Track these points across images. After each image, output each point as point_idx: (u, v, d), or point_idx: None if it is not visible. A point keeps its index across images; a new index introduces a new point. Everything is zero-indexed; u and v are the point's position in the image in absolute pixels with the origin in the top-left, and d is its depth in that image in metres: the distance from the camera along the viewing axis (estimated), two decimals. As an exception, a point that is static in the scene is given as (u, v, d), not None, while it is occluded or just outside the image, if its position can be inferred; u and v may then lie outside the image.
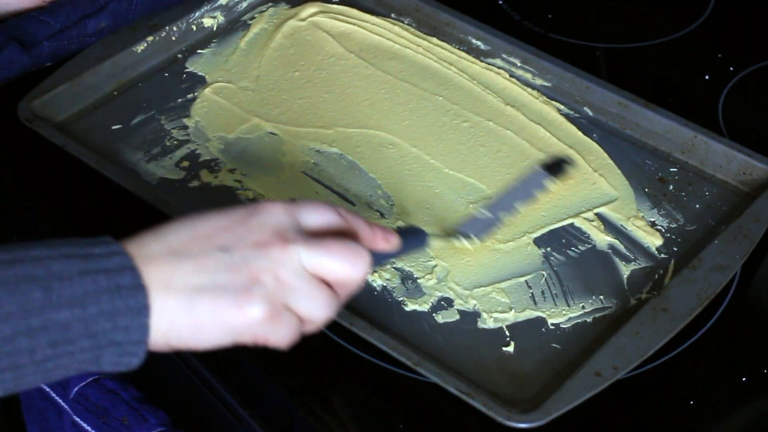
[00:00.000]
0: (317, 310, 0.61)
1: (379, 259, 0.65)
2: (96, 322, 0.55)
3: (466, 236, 0.75)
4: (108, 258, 0.57)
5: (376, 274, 0.76)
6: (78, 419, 0.81)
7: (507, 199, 0.78)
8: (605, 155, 0.86)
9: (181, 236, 0.59)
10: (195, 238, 0.59)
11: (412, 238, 0.69)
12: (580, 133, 0.87)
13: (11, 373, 0.54)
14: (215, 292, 0.58)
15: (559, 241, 0.79)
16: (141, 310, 0.56)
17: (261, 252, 0.59)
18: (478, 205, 0.80)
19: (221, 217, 0.61)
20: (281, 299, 0.59)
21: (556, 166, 0.80)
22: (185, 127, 0.87)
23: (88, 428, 0.81)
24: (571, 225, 0.80)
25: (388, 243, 0.66)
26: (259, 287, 0.59)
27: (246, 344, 0.60)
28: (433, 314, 0.74)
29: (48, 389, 0.84)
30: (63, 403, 0.83)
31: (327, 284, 0.61)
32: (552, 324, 0.74)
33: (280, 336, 0.60)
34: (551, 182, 0.80)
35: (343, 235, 0.63)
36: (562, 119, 0.88)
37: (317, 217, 0.63)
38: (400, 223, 0.80)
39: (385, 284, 0.76)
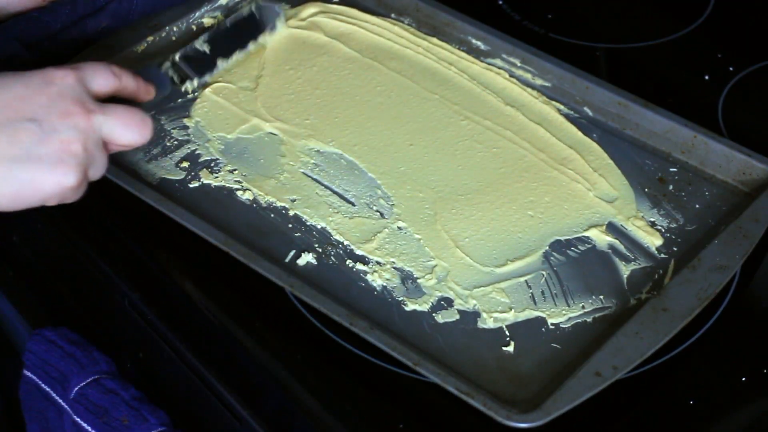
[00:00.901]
0: (99, 171, 0.68)
1: None
2: None
3: (189, 78, 0.85)
4: None
5: (376, 274, 0.76)
6: (78, 419, 0.81)
7: (225, 43, 0.88)
8: (605, 155, 0.86)
9: None
10: (1, 105, 0.64)
11: (160, 83, 0.78)
12: (580, 133, 0.87)
13: None
14: (32, 162, 0.64)
15: (559, 241, 0.79)
16: None
17: (68, 122, 0.65)
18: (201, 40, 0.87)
19: (18, 85, 0.65)
20: (86, 166, 0.66)
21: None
22: (185, 128, 0.87)
23: (88, 428, 0.81)
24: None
25: (149, 95, 0.74)
26: (71, 157, 0.65)
27: (46, 205, 0.66)
28: (433, 314, 0.74)
29: (48, 389, 0.84)
30: (63, 403, 0.83)
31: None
32: (552, 324, 0.74)
33: (77, 196, 0.67)
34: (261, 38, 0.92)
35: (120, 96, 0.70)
36: (561, 119, 0.88)
37: (101, 81, 0.69)
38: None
39: (384, 284, 0.76)
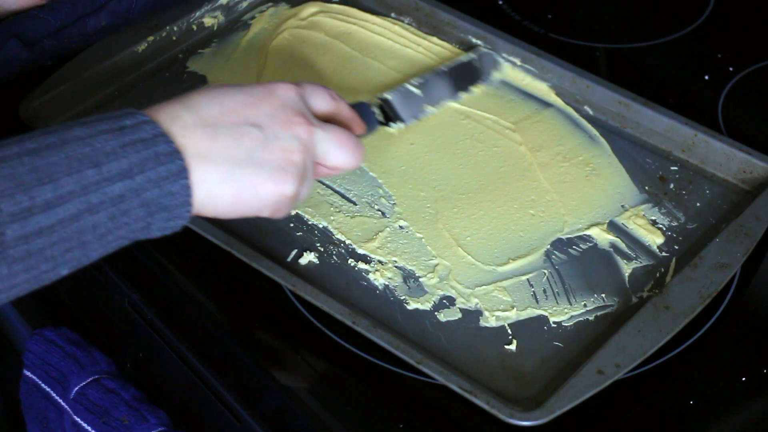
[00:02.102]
0: (305, 195, 0.67)
1: None
2: (145, 189, 0.58)
3: (400, 120, 0.82)
4: (139, 128, 0.59)
5: (378, 273, 0.76)
6: (78, 419, 0.81)
7: (436, 89, 0.86)
8: (608, 152, 0.86)
9: (212, 109, 0.62)
10: (224, 111, 0.63)
11: (368, 120, 0.75)
12: (582, 131, 0.87)
13: (79, 251, 0.58)
14: (254, 167, 0.62)
15: (560, 239, 0.79)
16: (181, 173, 0.59)
17: (290, 131, 0.64)
18: (412, 82, 0.85)
19: (242, 93, 0.64)
20: (303, 180, 0.65)
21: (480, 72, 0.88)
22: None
23: (88, 428, 0.81)
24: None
25: (361, 129, 0.73)
26: (292, 166, 0.64)
27: (259, 215, 0.65)
28: (435, 313, 0.74)
29: (48, 389, 0.84)
30: (63, 403, 0.83)
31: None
32: (554, 322, 0.74)
33: (289, 210, 0.66)
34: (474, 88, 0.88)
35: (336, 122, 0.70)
36: (563, 116, 0.89)
37: (320, 101, 0.69)
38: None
39: (387, 283, 0.76)
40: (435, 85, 0.87)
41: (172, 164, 0.59)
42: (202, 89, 0.64)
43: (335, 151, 0.67)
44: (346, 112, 0.71)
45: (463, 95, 0.88)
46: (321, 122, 0.67)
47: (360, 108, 0.75)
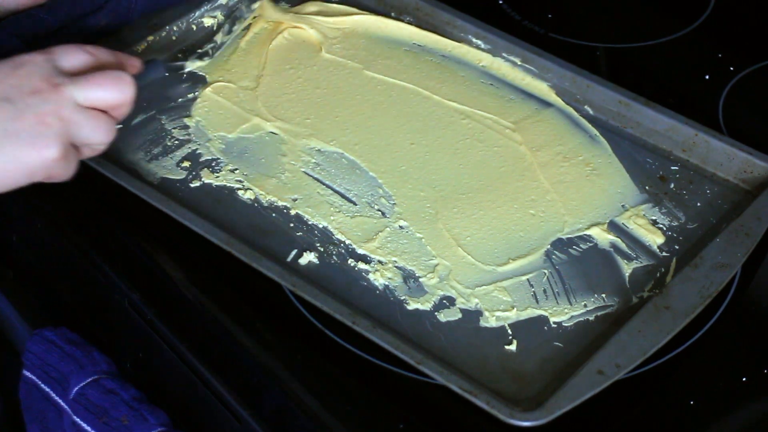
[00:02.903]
0: (99, 135, 0.70)
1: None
2: None
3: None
4: None
5: (378, 273, 0.76)
6: (78, 419, 0.81)
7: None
8: (608, 152, 0.86)
9: None
10: None
11: (152, 65, 0.79)
12: (582, 130, 0.87)
13: None
14: (10, 138, 0.66)
15: (560, 239, 0.79)
16: None
17: (39, 97, 0.67)
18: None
19: None
20: (68, 136, 0.68)
21: None
22: (186, 127, 0.87)
23: (88, 428, 0.81)
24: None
25: (134, 68, 0.76)
26: (48, 129, 0.67)
27: (37, 182, 0.68)
28: (435, 313, 0.74)
29: (48, 389, 0.84)
30: (63, 403, 0.83)
31: (103, 112, 0.70)
32: (554, 322, 0.74)
33: (67, 171, 0.69)
34: None
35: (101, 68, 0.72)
36: (564, 115, 0.89)
37: (72, 59, 0.71)
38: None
39: (386, 283, 0.76)
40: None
41: None
42: None
43: (96, 93, 0.69)
44: (108, 59, 0.73)
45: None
46: (72, 76, 0.69)
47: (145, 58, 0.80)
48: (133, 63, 0.77)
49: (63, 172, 0.69)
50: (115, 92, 0.71)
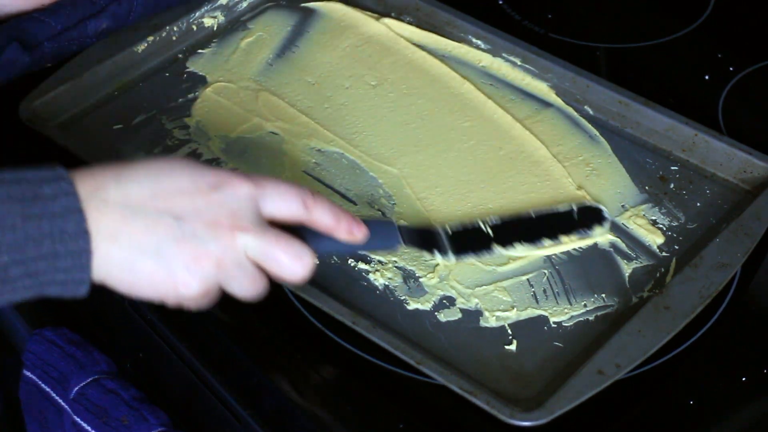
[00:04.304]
0: (246, 293, 0.63)
1: (343, 249, 0.67)
2: (35, 264, 0.57)
3: (444, 253, 0.73)
4: (55, 200, 0.57)
5: (378, 273, 0.76)
6: (78, 419, 0.81)
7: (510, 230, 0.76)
8: (609, 152, 0.86)
9: (143, 189, 0.60)
10: (154, 194, 0.60)
11: (382, 235, 0.68)
12: (583, 131, 0.87)
13: None
14: (157, 259, 0.59)
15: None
16: (82, 254, 0.58)
17: (211, 233, 0.60)
18: (480, 214, 0.79)
19: (186, 179, 0.61)
20: (216, 281, 0.61)
21: (587, 217, 0.78)
22: (186, 127, 0.87)
23: (88, 428, 0.81)
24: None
25: (352, 236, 0.66)
26: (199, 269, 0.60)
27: (164, 303, 0.62)
28: (436, 313, 0.74)
29: (48, 389, 0.84)
30: (63, 403, 0.83)
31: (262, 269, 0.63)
32: (554, 322, 0.74)
33: (200, 306, 0.63)
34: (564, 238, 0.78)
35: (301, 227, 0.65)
36: (565, 116, 0.89)
37: (281, 206, 0.63)
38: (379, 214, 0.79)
39: (387, 283, 0.76)
40: (509, 228, 0.76)
41: (74, 244, 0.57)
42: (154, 159, 0.62)
43: (269, 259, 0.62)
44: (324, 220, 0.65)
45: (548, 243, 0.76)
46: (260, 226, 0.62)
47: (380, 223, 0.69)
48: (354, 230, 0.66)
49: (196, 305, 0.63)
50: (285, 271, 0.63)
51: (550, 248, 0.78)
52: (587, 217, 0.78)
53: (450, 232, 0.74)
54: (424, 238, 0.72)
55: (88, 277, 0.58)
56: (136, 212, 0.59)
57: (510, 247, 0.75)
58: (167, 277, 0.60)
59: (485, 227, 0.75)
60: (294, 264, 0.63)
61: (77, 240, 0.57)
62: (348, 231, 0.66)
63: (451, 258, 0.73)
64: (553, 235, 0.76)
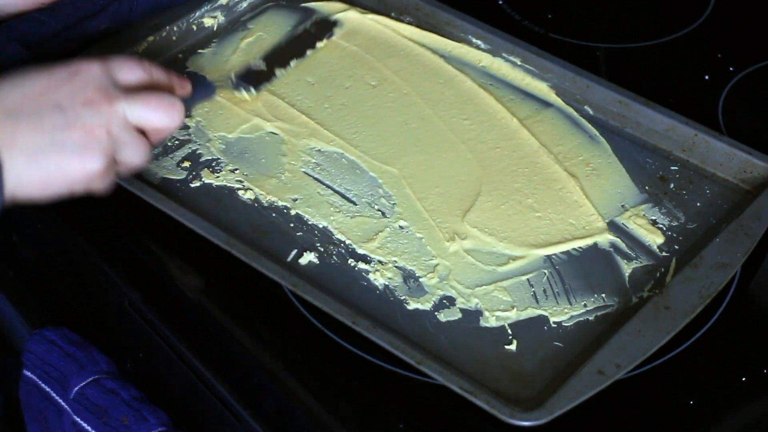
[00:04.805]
0: (136, 157, 0.71)
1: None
2: None
3: (246, 89, 0.87)
4: None
5: (378, 273, 0.76)
6: (78, 419, 0.81)
7: (282, 53, 0.89)
8: (609, 152, 0.86)
9: (13, 96, 0.66)
10: (26, 96, 0.66)
11: (201, 86, 0.80)
12: (583, 131, 0.87)
13: None
14: (57, 149, 0.66)
15: (560, 239, 0.80)
16: None
17: (91, 109, 0.67)
18: (257, 58, 0.90)
19: (45, 75, 0.68)
20: (112, 151, 0.68)
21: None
22: (186, 127, 0.87)
23: (88, 428, 0.81)
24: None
25: (184, 90, 0.76)
26: (95, 142, 0.67)
27: (75, 194, 0.68)
28: (436, 313, 0.74)
29: (48, 389, 0.84)
30: (63, 403, 0.83)
31: (142, 132, 0.71)
32: (554, 322, 0.74)
33: (105, 184, 0.70)
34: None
35: (153, 87, 0.72)
36: (565, 116, 0.89)
37: (129, 73, 0.71)
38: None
39: (387, 283, 0.76)
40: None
41: None
42: (6, 75, 0.67)
43: (147, 114, 0.70)
44: (161, 78, 0.74)
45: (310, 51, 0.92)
46: (127, 92, 0.69)
47: (193, 77, 0.79)
48: (183, 84, 0.76)
49: (102, 185, 0.69)
50: (165, 118, 0.71)
51: (548, 248, 0.78)
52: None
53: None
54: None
55: (1, 193, 0.64)
56: (18, 116, 0.65)
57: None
58: (72, 161, 0.66)
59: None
60: (171, 111, 0.71)
61: None
62: (181, 85, 0.76)
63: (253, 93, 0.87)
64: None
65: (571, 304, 0.75)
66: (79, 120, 0.66)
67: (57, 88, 0.67)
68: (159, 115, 0.71)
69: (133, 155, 0.70)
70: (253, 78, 0.89)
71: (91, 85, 0.68)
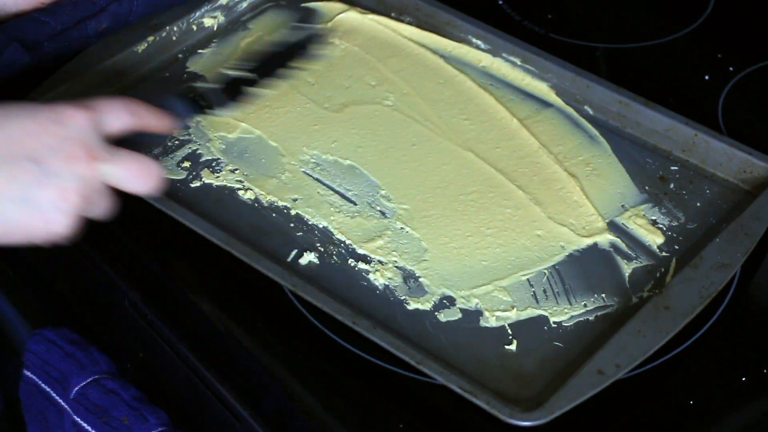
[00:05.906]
0: (101, 213, 0.68)
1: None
2: None
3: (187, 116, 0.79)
4: None
5: (378, 273, 0.76)
6: (78, 419, 0.81)
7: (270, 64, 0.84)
8: (609, 152, 0.86)
9: None
10: (4, 141, 0.63)
11: (180, 112, 0.76)
12: (584, 131, 0.87)
13: None
14: (27, 204, 0.63)
15: (560, 239, 0.80)
16: None
17: (70, 168, 0.64)
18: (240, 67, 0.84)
19: (28, 119, 0.64)
20: (80, 211, 0.65)
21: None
22: (186, 127, 0.87)
23: (88, 428, 0.81)
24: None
25: (168, 126, 0.73)
26: (67, 205, 0.64)
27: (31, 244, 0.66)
28: (436, 313, 0.74)
29: (48, 389, 0.84)
30: (63, 403, 0.83)
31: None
32: (554, 322, 0.74)
33: (66, 238, 0.66)
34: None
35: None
36: (565, 116, 0.89)
37: (115, 121, 0.68)
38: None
39: (387, 283, 0.76)
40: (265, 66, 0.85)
41: None
42: None
43: (125, 181, 0.67)
44: (149, 121, 0.71)
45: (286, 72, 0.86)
46: (111, 151, 0.66)
47: (169, 104, 0.75)
48: (168, 125, 0.73)
49: (61, 240, 0.66)
50: (141, 185, 0.68)
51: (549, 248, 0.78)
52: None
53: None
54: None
55: None
56: None
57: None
58: (38, 220, 0.63)
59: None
60: (148, 179, 0.68)
61: None
62: (167, 125, 0.73)
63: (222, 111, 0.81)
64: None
65: (571, 304, 0.75)
66: (54, 178, 0.63)
67: (38, 135, 0.63)
68: (136, 182, 0.68)
69: (99, 211, 0.68)
70: (235, 89, 0.83)
71: (76, 140, 0.64)
